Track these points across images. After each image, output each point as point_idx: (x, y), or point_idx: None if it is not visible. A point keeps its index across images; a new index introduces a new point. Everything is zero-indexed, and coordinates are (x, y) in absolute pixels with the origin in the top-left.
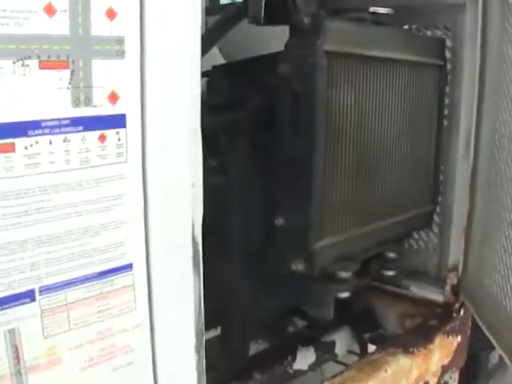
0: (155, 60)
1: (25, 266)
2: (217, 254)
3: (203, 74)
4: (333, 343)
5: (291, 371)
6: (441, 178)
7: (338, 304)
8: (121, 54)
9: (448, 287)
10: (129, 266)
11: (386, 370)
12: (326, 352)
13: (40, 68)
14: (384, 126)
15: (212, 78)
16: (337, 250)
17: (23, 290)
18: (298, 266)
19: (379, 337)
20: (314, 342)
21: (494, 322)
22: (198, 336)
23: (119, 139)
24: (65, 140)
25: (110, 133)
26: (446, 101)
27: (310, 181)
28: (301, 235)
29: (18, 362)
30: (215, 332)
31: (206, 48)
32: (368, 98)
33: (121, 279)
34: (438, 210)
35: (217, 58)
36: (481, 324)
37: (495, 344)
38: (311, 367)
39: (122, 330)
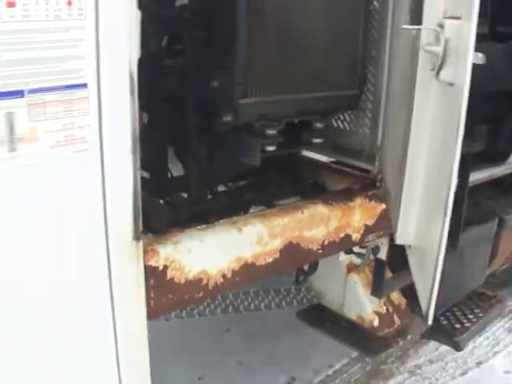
0: None
1: (17, 76)
2: (178, 119)
3: None
4: None
5: None
6: (371, 69)
7: (292, 178)
8: None
9: (377, 163)
10: (85, 85)
11: (302, 212)
12: None
13: None
14: (307, 11)
15: None
16: (259, 108)
17: (17, 89)
18: (228, 118)
19: None
20: (267, 204)
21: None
22: (134, 141)
23: (80, 5)
24: (46, 3)
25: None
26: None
27: (235, 50)
28: (229, 93)
29: (12, 134)
30: None
31: None
32: None
33: (79, 92)
34: (370, 97)
35: None
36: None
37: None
38: None
39: (80, 126)
